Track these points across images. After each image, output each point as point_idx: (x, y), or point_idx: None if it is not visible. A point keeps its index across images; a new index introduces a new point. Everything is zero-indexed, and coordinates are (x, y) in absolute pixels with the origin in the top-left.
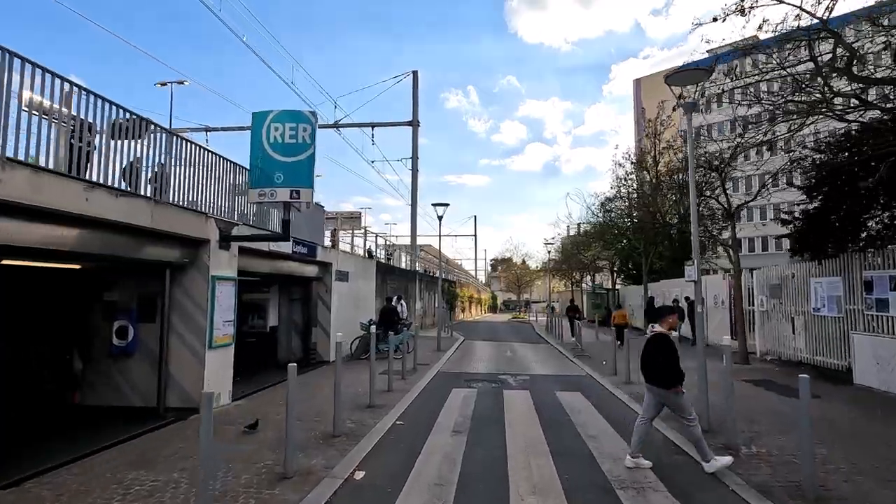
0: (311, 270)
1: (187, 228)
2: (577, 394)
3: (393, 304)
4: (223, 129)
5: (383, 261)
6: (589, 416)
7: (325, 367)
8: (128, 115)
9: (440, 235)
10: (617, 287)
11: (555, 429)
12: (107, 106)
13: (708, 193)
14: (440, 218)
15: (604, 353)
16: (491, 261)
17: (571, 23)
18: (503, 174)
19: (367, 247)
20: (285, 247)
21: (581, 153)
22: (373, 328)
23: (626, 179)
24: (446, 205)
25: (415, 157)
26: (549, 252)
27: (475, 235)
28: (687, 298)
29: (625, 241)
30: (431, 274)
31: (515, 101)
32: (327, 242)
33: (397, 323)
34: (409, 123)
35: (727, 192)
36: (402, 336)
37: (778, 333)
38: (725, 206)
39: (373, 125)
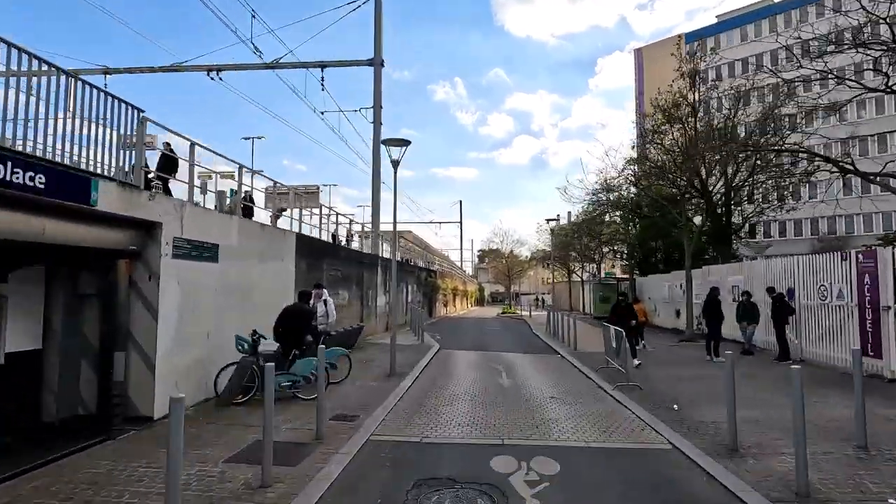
0: (103, 237)
1: None
2: None
3: (311, 302)
4: (126, 70)
5: (333, 237)
6: None
7: (142, 432)
8: None
9: (395, 193)
10: (634, 276)
11: None
12: None
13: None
14: (395, 164)
15: (655, 377)
16: (478, 251)
17: (558, 17)
18: (491, 167)
19: (334, 230)
20: None
21: (568, 146)
22: (265, 345)
23: (655, 133)
24: (407, 142)
25: (377, 107)
26: (551, 231)
27: (461, 222)
28: (771, 291)
29: (657, 215)
30: (409, 262)
31: (503, 94)
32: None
33: (310, 335)
34: (369, 63)
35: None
36: (310, 365)
37: None
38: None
39: (322, 65)
